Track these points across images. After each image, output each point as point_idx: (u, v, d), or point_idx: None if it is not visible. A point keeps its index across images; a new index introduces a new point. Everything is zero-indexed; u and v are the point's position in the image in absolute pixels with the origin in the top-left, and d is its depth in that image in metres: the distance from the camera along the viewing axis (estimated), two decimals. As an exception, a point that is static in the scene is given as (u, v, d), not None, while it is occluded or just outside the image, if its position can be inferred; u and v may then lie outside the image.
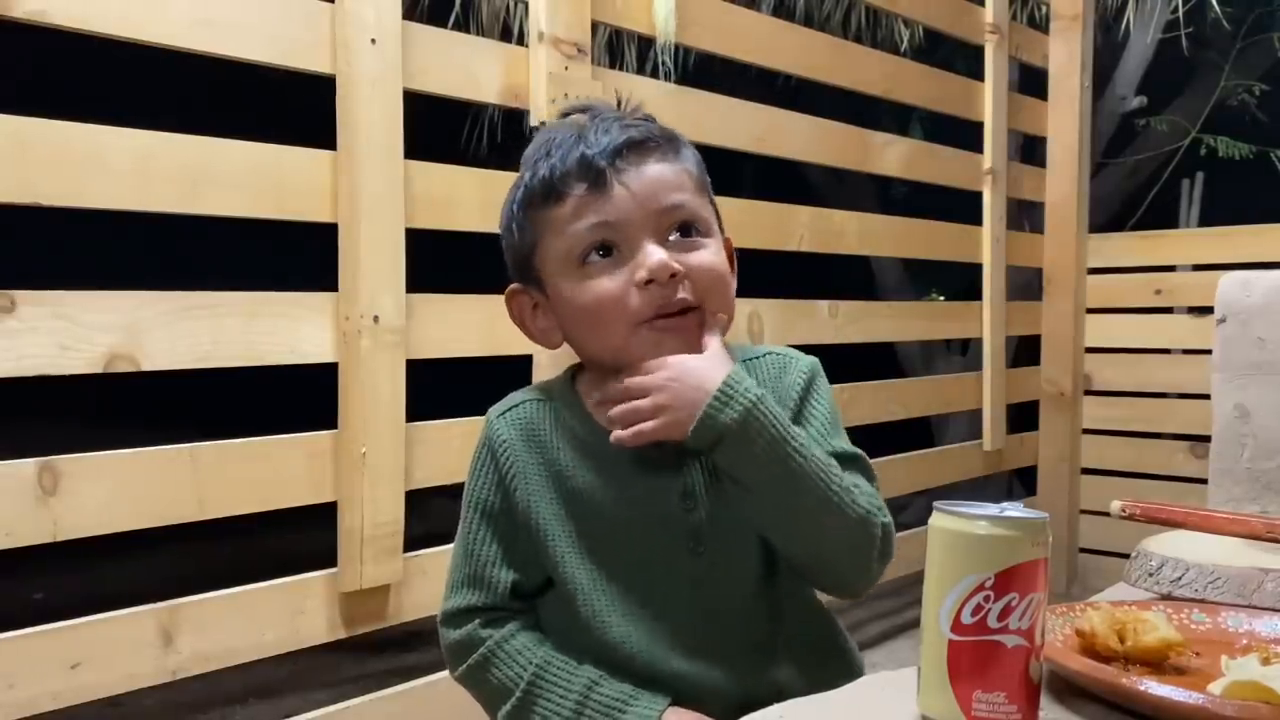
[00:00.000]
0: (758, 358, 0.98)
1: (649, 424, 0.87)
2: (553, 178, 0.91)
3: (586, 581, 0.91)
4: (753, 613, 0.92)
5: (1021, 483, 3.66)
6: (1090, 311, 3.16)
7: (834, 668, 0.94)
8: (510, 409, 0.97)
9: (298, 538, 1.91)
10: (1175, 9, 3.53)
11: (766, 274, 1.84)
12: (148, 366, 1.31)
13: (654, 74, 3.05)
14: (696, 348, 0.90)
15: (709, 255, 0.92)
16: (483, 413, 0.99)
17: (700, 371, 0.87)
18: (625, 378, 0.89)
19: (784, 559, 0.92)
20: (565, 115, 0.98)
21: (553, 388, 0.99)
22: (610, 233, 0.90)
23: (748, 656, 0.91)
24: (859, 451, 0.95)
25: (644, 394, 0.87)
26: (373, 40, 1.48)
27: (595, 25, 1.82)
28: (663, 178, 0.92)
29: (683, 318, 0.90)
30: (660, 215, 0.90)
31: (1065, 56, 3.10)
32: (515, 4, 3.30)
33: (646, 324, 0.89)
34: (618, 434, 0.88)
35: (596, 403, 0.95)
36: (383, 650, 2.41)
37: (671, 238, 0.91)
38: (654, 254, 0.88)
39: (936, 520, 0.68)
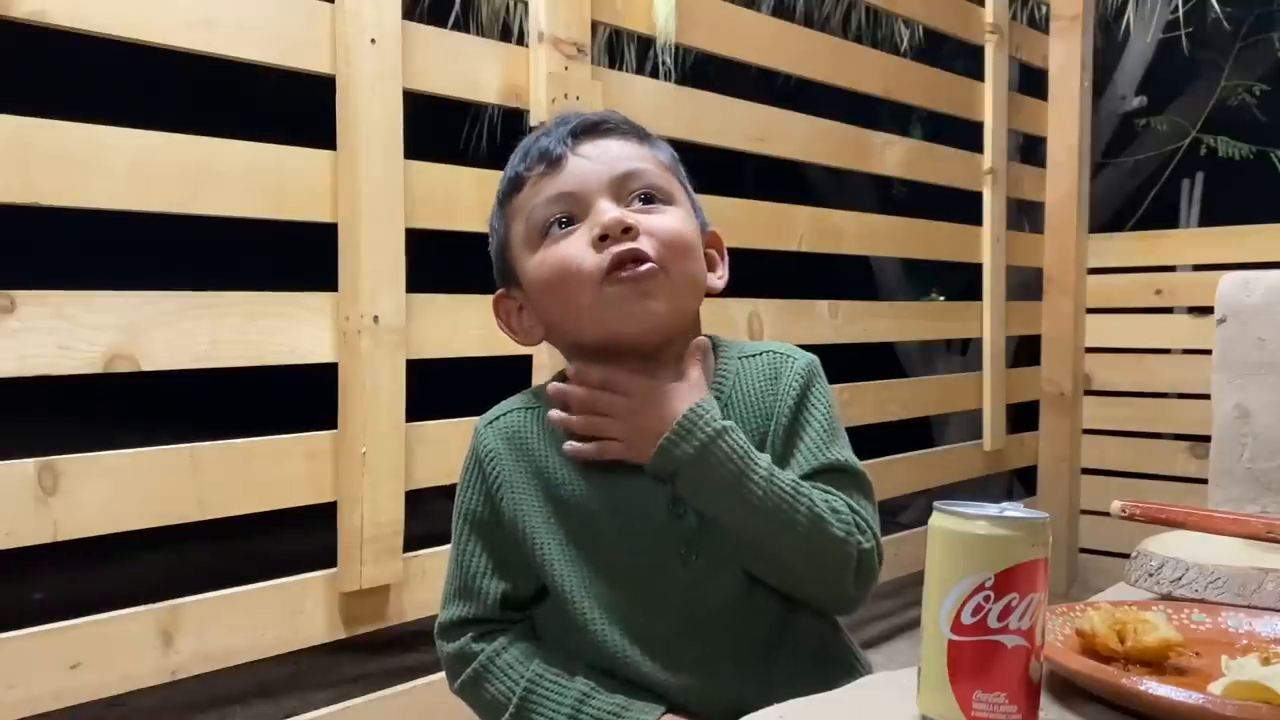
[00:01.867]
0: (754, 355, 0.97)
1: (613, 446, 0.88)
2: (516, 172, 0.94)
3: (578, 589, 0.91)
4: (747, 619, 0.91)
5: (1021, 483, 3.66)
6: (1090, 311, 3.16)
7: (838, 674, 0.92)
8: (497, 418, 0.96)
9: (298, 538, 1.91)
10: (1175, 9, 3.53)
11: (766, 274, 1.84)
12: (148, 366, 1.31)
13: (654, 74, 3.04)
14: (666, 312, 0.89)
15: (671, 219, 0.91)
16: (483, 413, 0.99)
17: (665, 400, 0.87)
18: (597, 375, 0.89)
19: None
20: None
21: (541, 393, 0.97)
22: (569, 204, 0.90)
23: (743, 663, 0.90)
24: (855, 465, 0.92)
25: (596, 408, 0.88)
26: (373, 40, 1.48)
27: (595, 25, 1.82)
28: (622, 151, 0.93)
29: (644, 274, 0.87)
30: (619, 181, 0.91)
31: (1065, 56, 3.10)
32: (515, 4, 3.29)
33: (606, 280, 0.87)
34: (575, 446, 0.89)
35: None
36: (383, 650, 2.41)
37: (633, 206, 0.91)
38: (607, 210, 0.88)
39: (936, 520, 0.68)
